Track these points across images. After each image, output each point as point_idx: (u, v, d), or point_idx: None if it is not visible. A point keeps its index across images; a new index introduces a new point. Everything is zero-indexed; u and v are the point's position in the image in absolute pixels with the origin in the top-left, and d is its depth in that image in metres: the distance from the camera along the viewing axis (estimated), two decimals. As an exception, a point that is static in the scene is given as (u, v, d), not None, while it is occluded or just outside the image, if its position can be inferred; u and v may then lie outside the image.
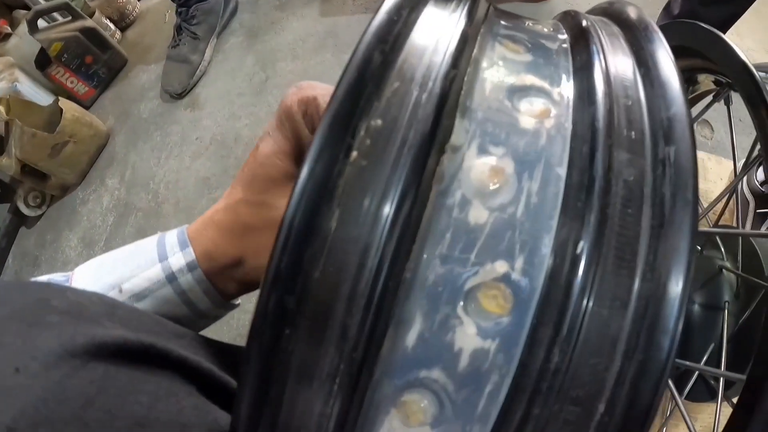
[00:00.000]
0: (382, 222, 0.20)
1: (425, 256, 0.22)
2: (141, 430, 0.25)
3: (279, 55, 1.74)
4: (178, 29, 1.77)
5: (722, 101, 0.67)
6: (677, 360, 0.66)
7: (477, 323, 0.22)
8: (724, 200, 0.71)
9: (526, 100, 0.27)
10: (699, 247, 0.73)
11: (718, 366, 0.62)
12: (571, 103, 0.27)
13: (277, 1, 1.91)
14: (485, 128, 0.25)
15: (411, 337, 0.22)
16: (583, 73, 0.29)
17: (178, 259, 0.41)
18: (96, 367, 0.25)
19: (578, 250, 0.21)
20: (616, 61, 0.30)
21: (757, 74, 0.58)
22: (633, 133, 0.25)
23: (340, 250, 0.21)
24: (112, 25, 2.07)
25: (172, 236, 0.43)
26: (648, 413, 0.21)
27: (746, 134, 1.16)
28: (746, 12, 1.16)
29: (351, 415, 0.23)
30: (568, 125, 0.26)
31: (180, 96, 1.74)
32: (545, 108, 0.26)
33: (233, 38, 1.85)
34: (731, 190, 0.66)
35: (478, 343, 0.22)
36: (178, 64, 1.75)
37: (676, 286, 0.21)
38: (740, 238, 0.66)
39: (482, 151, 0.24)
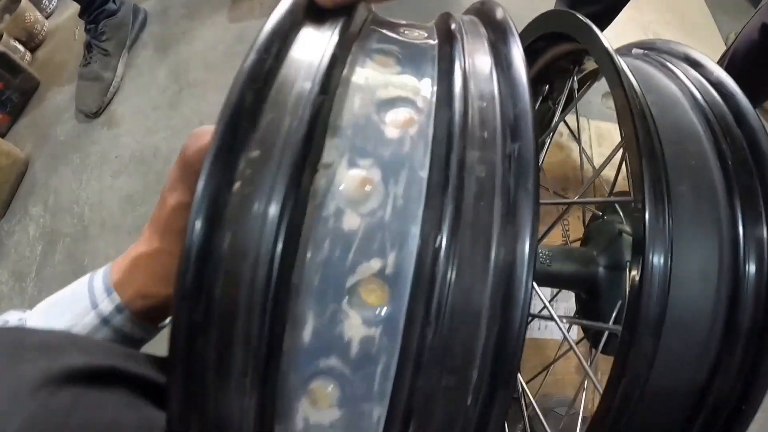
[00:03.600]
0: (266, 239, 0.24)
1: (309, 262, 0.25)
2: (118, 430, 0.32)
3: (191, 65, 1.72)
4: (88, 46, 1.73)
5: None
6: (587, 322, 0.71)
7: (361, 315, 0.26)
8: (616, 169, 0.76)
9: (392, 111, 0.30)
10: (600, 213, 0.79)
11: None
12: (432, 109, 0.30)
13: (186, 10, 1.88)
14: (354, 143, 0.28)
15: (306, 333, 0.26)
16: (444, 79, 0.32)
17: (106, 305, 0.46)
18: (70, 388, 0.32)
19: (437, 243, 0.25)
20: (475, 64, 0.34)
21: (624, 57, 0.64)
22: (485, 132, 0.29)
23: (234, 268, 0.24)
24: (21, 47, 1.97)
25: (98, 280, 0.47)
26: (512, 373, 0.25)
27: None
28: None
29: (267, 406, 0.26)
30: (430, 130, 0.29)
31: (95, 115, 1.70)
32: (409, 117, 0.30)
33: (145, 51, 1.82)
34: (620, 159, 0.71)
35: (365, 332, 0.26)
36: (91, 83, 1.71)
37: (522, 266, 0.25)
38: (632, 203, 0.71)
39: (352, 164, 0.27)
